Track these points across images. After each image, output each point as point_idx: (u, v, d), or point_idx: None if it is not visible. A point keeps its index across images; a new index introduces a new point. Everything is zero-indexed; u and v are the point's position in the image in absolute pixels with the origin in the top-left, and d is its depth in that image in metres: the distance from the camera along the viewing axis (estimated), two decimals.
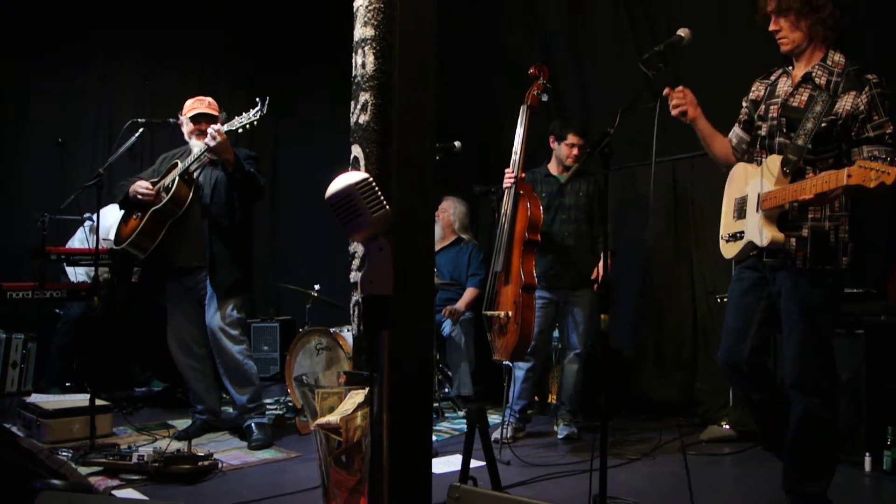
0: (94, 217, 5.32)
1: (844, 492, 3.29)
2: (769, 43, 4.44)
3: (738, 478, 3.49)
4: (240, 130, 3.94)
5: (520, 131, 3.96)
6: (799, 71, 2.71)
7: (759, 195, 2.64)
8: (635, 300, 5.26)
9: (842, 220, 2.63)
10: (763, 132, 2.76)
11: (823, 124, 2.57)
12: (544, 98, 4.02)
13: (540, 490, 3.30)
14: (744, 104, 2.92)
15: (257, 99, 3.89)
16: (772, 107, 2.74)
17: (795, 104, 2.67)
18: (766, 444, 2.91)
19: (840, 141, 2.60)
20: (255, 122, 3.93)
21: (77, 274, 5.36)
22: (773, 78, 2.82)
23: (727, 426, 4.24)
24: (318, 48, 6.85)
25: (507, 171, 3.96)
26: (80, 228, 5.49)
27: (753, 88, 2.89)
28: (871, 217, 4.17)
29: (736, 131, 2.94)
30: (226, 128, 3.95)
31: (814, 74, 2.64)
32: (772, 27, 2.71)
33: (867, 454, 3.54)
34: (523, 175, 3.98)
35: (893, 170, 2.26)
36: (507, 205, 3.92)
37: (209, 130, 3.93)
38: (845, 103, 2.57)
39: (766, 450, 2.93)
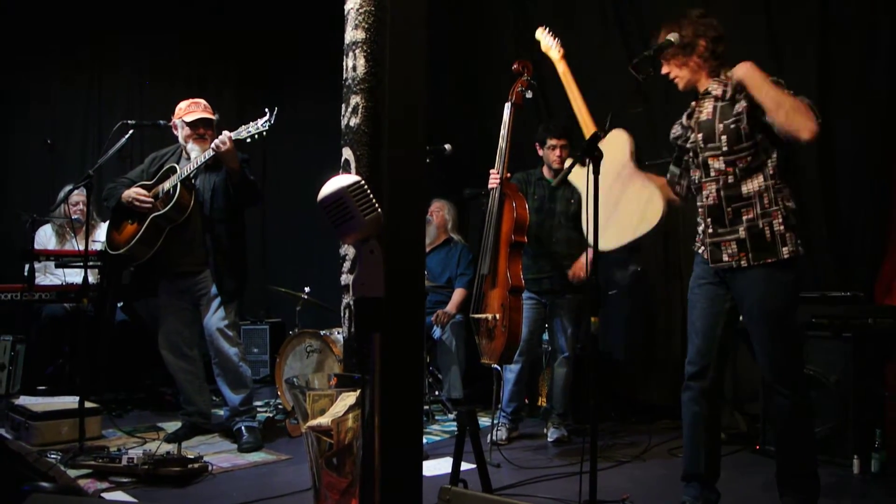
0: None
1: (832, 494, 3.33)
2: (755, 48, 4.51)
3: (727, 480, 3.50)
4: (248, 140, 3.88)
5: (504, 130, 3.86)
6: (697, 99, 2.93)
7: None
8: (624, 303, 5.27)
9: (774, 215, 2.74)
10: (690, 154, 2.94)
11: (732, 125, 2.74)
12: (529, 95, 3.90)
13: (530, 492, 3.31)
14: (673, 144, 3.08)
15: (266, 109, 3.85)
16: (689, 132, 2.93)
17: (704, 118, 2.86)
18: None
19: (753, 138, 2.74)
20: (265, 133, 3.86)
21: (48, 276, 5.37)
22: (684, 116, 2.99)
23: None
24: (308, 51, 6.85)
25: (492, 171, 3.89)
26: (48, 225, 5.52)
27: (673, 130, 3.05)
28: (858, 221, 4.21)
29: (670, 169, 3.10)
30: (234, 135, 3.90)
31: (710, 89, 2.86)
32: (663, 71, 2.94)
33: (855, 457, 3.57)
34: (508, 175, 3.90)
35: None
36: (492, 206, 3.85)
37: (221, 137, 3.89)
38: (742, 103, 2.74)
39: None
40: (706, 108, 2.85)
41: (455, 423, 4.68)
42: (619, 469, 3.75)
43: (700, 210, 2.90)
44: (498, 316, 3.67)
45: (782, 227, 2.73)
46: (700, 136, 2.85)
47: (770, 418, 3.91)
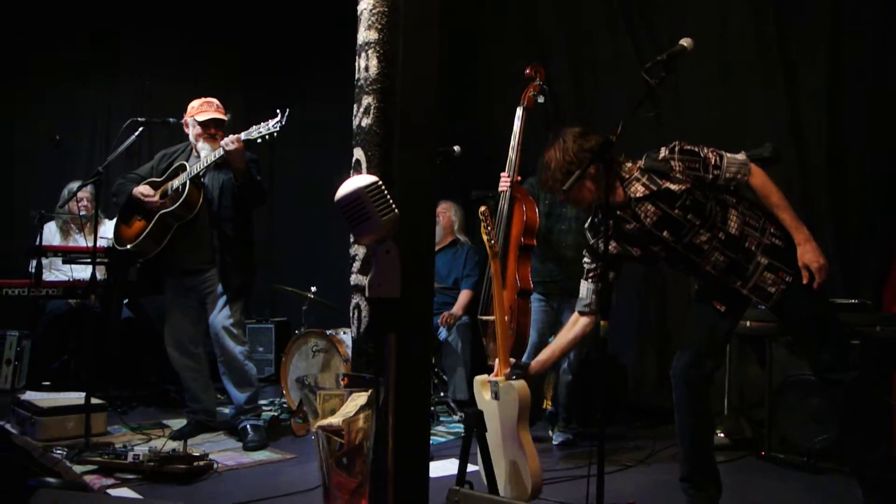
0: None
1: (838, 501, 3.32)
2: (768, 52, 4.51)
3: (733, 485, 3.50)
4: (258, 140, 3.88)
5: (516, 133, 3.87)
6: (623, 209, 2.85)
7: None
8: (631, 307, 5.27)
9: (764, 228, 2.81)
10: (663, 258, 2.93)
11: (688, 203, 2.75)
12: (540, 100, 3.91)
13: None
14: (589, 259, 3.02)
15: (277, 110, 3.84)
16: (635, 248, 2.90)
17: (651, 220, 2.81)
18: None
19: (707, 198, 2.77)
20: (275, 134, 3.85)
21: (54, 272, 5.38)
22: (600, 242, 2.86)
23: (721, 434, 4.25)
24: (320, 50, 6.85)
25: (502, 174, 3.89)
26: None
27: (589, 261, 3.01)
28: (865, 230, 4.21)
29: (587, 286, 3.01)
30: (244, 136, 3.90)
31: (631, 192, 2.81)
32: (562, 199, 3.02)
33: None
34: (519, 178, 3.90)
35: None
36: (502, 209, 3.85)
37: (228, 138, 3.89)
38: (672, 184, 2.75)
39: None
40: (646, 211, 2.81)
41: (460, 425, 4.68)
42: (624, 473, 3.75)
43: (715, 284, 2.90)
44: (506, 318, 3.67)
45: (775, 230, 2.81)
46: (666, 234, 2.82)
47: (776, 424, 3.91)
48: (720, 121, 4.69)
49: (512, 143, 3.87)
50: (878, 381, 3.67)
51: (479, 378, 2.93)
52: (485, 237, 3.15)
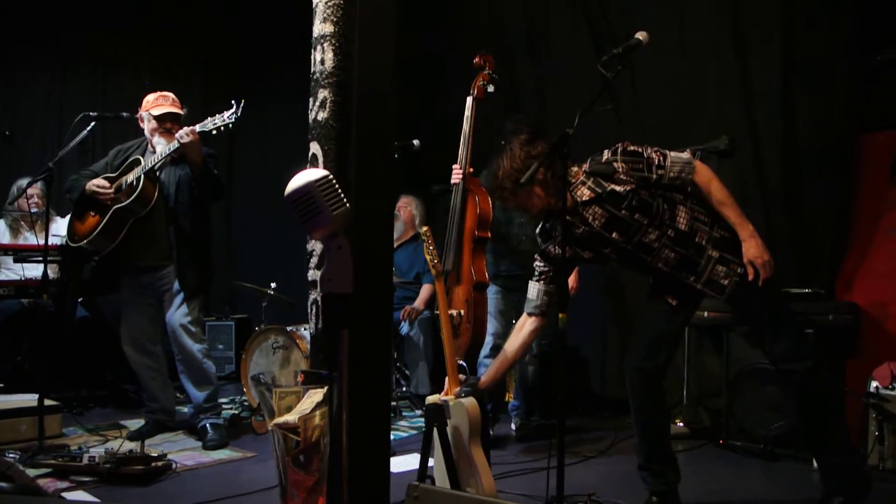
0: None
1: (795, 487, 3.38)
2: (726, 43, 4.56)
3: (692, 473, 3.54)
4: (213, 132, 3.83)
5: (466, 125, 3.78)
6: (571, 214, 2.87)
7: None
8: (592, 298, 5.30)
9: (713, 221, 2.85)
10: (615, 260, 2.96)
11: (634, 203, 2.78)
12: (490, 89, 3.81)
13: (497, 488, 3.31)
14: (541, 263, 3.04)
15: (233, 101, 3.79)
16: (586, 252, 2.95)
17: (600, 222, 2.84)
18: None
19: (654, 197, 2.81)
20: (231, 125, 3.80)
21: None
22: (552, 245, 2.94)
23: (680, 423, 4.31)
24: (276, 44, 6.78)
25: (454, 166, 3.80)
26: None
27: (540, 265, 3.04)
28: (821, 221, 4.28)
29: (538, 288, 3.03)
30: (199, 128, 3.84)
31: (577, 196, 2.84)
32: (511, 206, 3.03)
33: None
34: (471, 170, 3.80)
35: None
36: (455, 202, 3.77)
37: (183, 130, 3.83)
38: (617, 185, 2.79)
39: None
40: (594, 214, 2.84)
41: (422, 419, 4.68)
42: (585, 465, 3.77)
43: (668, 280, 2.92)
44: (463, 312, 3.63)
45: (723, 231, 2.84)
46: (615, 235, 2.84)
47: (734, 413, 3.97)
48: (677, 114, 4.74)
49: (463, 134, 3.78)
50: (832, 369, 3.75)
51: (430, 398, 2.91)
52: (428, 257, 3.13)
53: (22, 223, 5.44)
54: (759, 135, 4.45)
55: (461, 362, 3.88)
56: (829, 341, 3.76)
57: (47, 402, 3.88)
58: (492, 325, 4.09)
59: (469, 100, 3.80)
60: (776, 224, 4.33)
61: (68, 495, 3.14)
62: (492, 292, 4.15)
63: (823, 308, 3.85)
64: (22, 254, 4.98)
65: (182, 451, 3.90)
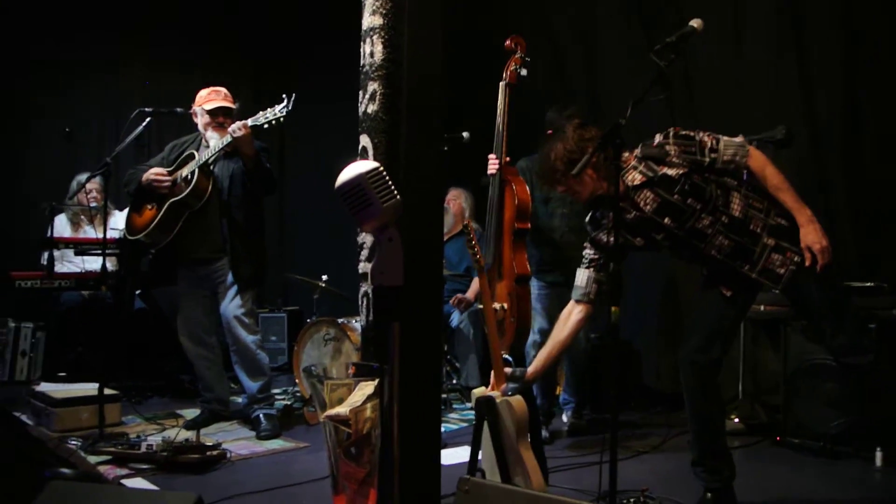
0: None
1: (855, 486, 3.29)
2: (783, 33, 4.44)
3: (748, 471, 3.47)
4: (265, 126, 3.88)
5: (500, 112, 3.55)
6: (622, 199, 2.80)
7: None
8: (644, 291, 5.22)
9: (769, 210, 2.78)
10: (667, 247, 2.90)
11: (687, 188, 2.73)
12: (524, 73, 3.58)
13: (549, 483, 3.28)
14: (591, 250, 2.99)
15: (283, 95, 3.83)
16: (637, 238, 2.90)
17: (652, 207, 2.79)
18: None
19: (707, 181, 2.75)
20: (282, 119, 3.85)
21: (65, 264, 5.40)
22: (604, 234, 2.91)
23: (737, 420, 4.22)
24: (325, 37, 6.83)
25: (490, 156, 3.61)
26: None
27: (588, 252, 3.00)
28: (884, 213, 4.14)
29: (587, 275, 2.99)
30: (251, 122, 3.89)
31: (629, 181, 2.79)
32: (561, 191, 3.01)
33: (878, 449, 3.51)
34: (508, 159, 3.60)
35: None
36: (493, 193, 3.58)
37: (236, 124, 3.89)
38: (669, 169, 2.73)
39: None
40: (646, 198, 2.79)
41: (472, 412, 4.66)
42: (637, 460, 3.72)
43: (722, 270, 2.86)
44: (506, 306, 3.54)
45: (780, 218, 2.76)
46: (667, 220, 2.79)
47: (792, 410, 3.87)
48: (732, 104, 4.62)
49: (497, 122, 3.58)
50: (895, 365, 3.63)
51: (475, 391, 2.87)
52: (471, 252, 3.09)
53: (82, 217, 5.59)
54: (819, 125, 4.32)
55: (506, 356, 3.83)
56: (892, 336, 3.64)
57: (107, 392, 3.98)
58: (537, 322, 4.03)
59: (501, 85, 3.58)
60: (837, 217, 4.20)
61: (127, 482, 3.22)
62: (536, 287, 4.09)
63: (887, 302, 3.72)
64: (82, 247, 5.10)
65: (236, 440, 3.96)
